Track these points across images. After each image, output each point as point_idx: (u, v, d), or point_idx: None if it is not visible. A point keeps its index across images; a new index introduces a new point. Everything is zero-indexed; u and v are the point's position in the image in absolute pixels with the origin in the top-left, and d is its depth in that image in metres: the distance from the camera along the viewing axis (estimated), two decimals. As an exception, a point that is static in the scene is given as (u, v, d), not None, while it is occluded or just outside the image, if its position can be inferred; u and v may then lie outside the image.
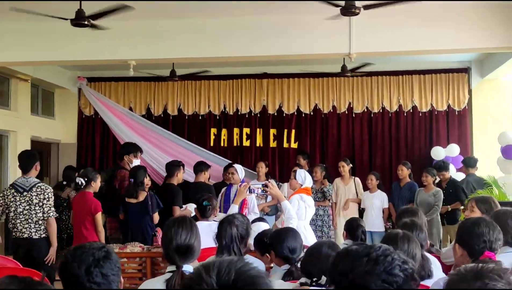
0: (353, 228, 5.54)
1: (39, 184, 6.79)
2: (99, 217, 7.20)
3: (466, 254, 3.38)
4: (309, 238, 6.38)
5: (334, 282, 2.13)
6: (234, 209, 6.48)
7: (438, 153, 11.13)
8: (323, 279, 3.37)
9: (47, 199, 6.72)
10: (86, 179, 7.23)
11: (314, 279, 3.40)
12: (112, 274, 2.50)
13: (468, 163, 10.21)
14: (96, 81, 12.78)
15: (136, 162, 8.56)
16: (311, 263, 3.56)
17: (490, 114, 11.54)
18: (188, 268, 3.43)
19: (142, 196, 7.58)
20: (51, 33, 8.90)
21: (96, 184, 7.35)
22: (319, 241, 4.81)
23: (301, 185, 7.10)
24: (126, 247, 6.30)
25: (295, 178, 7.12)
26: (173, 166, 8.75)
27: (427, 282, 3.67)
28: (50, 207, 6.72)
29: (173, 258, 3.47)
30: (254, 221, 5.88)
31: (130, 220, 7.59)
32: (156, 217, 7.53)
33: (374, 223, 9.80)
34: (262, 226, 5.83)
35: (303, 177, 7.19)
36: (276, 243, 4.22)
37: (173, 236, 3.49)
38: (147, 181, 7.78)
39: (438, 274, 3.93)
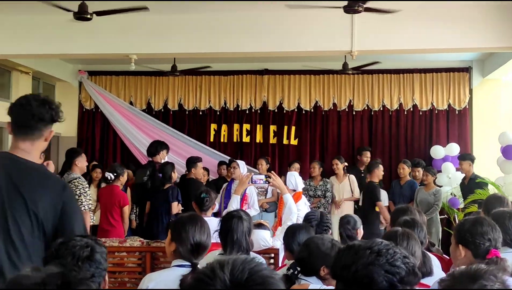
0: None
1: (74, 180, 6.83)
2: (127, 209, 7.80)
3: (470, 254, 3.35)
4: None
5: (337, 276, 2.15)
6: (235, 199, 6.39)
7: (437, 152, 11.12)
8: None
9: (81, 193, 6.77)
10: (115, 174, 7.75)
11: (291, 271, 3.46)
12: (91, 275, 2.44)
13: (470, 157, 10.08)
14: (97, 75, 12.78)
15: (166, 158, 9.16)
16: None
17: (491, 114, 11.54)
18: None
19: (166, 186, 8.00)
20: (53, 26, 8.90)
21: (124, 178, 7.95)
22: (295, 224, 4.79)
23: (294, 191, 6.95)
24: (126, 241, 6.31)
25: (285, 183, 6.97)
26: (188, 162, 9.25)
27: (428, 280, 3.69)
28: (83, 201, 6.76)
29: (189, 255, 3.47)
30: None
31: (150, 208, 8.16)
32: (174, 206, 7.83)
33: (373, 221, 9.79)
34: (262, 234, 5.80)
35: (293, 182, 7.07)
36: (288, 237, 4.25)
37: (190, 233, 3.49)
38: (174, 177, 8.23)
39: (438, 273, 3.94)
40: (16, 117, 3.07)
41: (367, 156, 10.97)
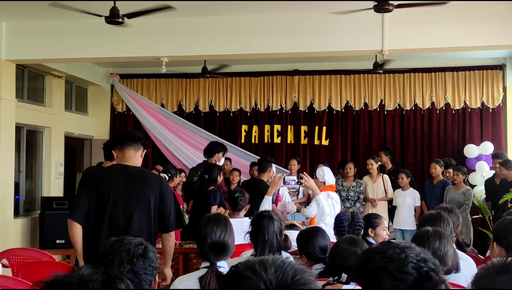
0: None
1: None
2: (180, 209, 7.83)
3: (504, 251, 3.35)
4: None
5: (356, 278, 2.16)
6: (267, 200, 6.37)
7: (471, 151, 10.99)
8: (344, 276, 3.39)
9: None
10: (169, 175, 7.98)
11: (336, 278, 3.42)
12: (144, 273, 2.50)
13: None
14: (129, 78, 12.90)
15: (222, 160, 9.26)
16: (334, 260, 3.61)
17: (525, 111, 11.37)
18: (222, 264, 3.46)
19: (210, 188, 8.17)
20: (85, 30, 9.00)
21: (177, 179, 8.33)
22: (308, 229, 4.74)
23: (324, 183, 6.99)
24: (158, 242, 6.34)
25: (315, 176, 7.04)
26: (266, 162, 9.15)
27: (455, 277, 3.64)
28: None
29: (208, 255, 3.49)
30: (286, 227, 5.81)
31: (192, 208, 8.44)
32: (213, 210, 7.83)
33: (406, 221, 9.72)
34: (294, 235, 5.79)
35: (322, 174, 7.10)
36: (306, 244, 4.22)
37: (208, 233, 3.51)
38: (220, 179, 8.36)
39: (473, 273, 3.87)
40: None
41: (381, 156, 10.86)
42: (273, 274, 1.46)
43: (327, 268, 3.67)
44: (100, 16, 7.51)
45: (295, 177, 6.67)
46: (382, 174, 10.37)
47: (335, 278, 3.42)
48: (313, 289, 1.47)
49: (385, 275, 1.98)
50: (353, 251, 3.54)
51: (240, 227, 5.06)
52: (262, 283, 1.44)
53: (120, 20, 7.52)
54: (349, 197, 10.05)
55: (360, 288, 3.22)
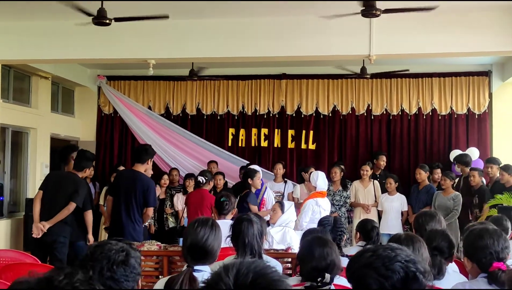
0: (367, 229, 5.43)
1: None
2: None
3: (476, 266, 3.34)
4: None
5: (347, 276, 2.16)
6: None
7: (457, 156, 11.02)
8: (327, 276, 3.37)
9: None
10: (206, 178, 8.24)
11: (319, 279, 3.39)
12: (125, 280, 2.48)
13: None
14: (116, 80, 12.84)
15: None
16: (305, 264, 3.57)
17: (511, 118, 11.42)
18: (204, 269, 3.36)
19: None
20: (72, 31, 8.94)
21: (212, 183, 8.66)
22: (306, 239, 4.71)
23: (315, 188, 7.03)
24: (143, 245, 6.32)
25: (309, 180, 7.11)
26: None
27: (439, 282, 3.69)
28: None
29: (186, 257, 3.43)
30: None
31: None
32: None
33: (393, 225, 9.74)
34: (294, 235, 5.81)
35: (315, 178, 7.14)
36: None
37: (189, 235, 3.43)
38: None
39: (456, 277, 3.89)
40: None
41: (383, 160, 10.93)
42: (233, 277, 1.52)
43: (303, 272, 3.62)
44: (89, 15, 7.47)
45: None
46: (373, 179, 10.37)
47: (319, 280, 3.39)
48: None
49: (371, 271, 1.98)
50: (327, 251, 3.52)
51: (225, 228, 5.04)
52: (222, 286, 1.51)
53: (107, 21, 7.49)
54: (334, 202, 9.96)
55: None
